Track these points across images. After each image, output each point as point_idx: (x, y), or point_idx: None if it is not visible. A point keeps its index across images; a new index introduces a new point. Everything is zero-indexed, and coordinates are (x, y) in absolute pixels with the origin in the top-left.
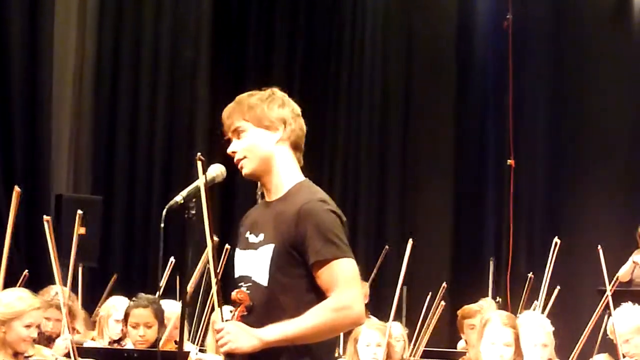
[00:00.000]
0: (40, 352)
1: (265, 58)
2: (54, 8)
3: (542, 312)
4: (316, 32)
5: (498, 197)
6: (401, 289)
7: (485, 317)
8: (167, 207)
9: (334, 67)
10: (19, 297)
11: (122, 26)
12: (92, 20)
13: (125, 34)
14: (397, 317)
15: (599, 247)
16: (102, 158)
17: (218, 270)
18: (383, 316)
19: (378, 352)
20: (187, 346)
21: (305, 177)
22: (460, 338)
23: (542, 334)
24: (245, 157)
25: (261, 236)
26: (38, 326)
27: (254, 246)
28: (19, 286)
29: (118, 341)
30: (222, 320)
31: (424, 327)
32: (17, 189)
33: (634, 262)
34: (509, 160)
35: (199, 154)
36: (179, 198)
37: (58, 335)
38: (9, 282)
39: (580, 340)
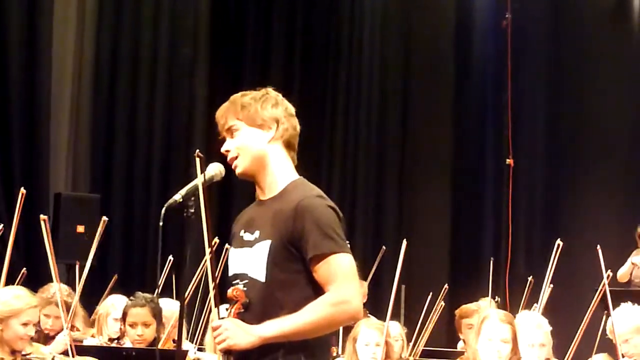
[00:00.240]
0: (38, 350)
1: (264, 57)
2: (52, 7)
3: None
4: (314, 31)
5: (497, 197)
6: (399, 288)
7: (483, 314)
8: (165, 205)
9: (333, 66)
10: (16, 296)
11: (120, 26)
12: (90, 19)
13: (123, 33)
14: (396, 317)
15: (598, 247)
16: (101, 157)
17: (217, 269)
18: (382, 316)
19: (377, 351)
20: (186, 345)
21: (303, 176)
22: (459, 338)
23: (540, 334)
24: (238, 156)
25: (256, 234)
26: (35, 324)
27: (249, 244)
28: (17, 284)
29: (117, 339)
30: (219, 318)
31: (424, 326)
32: (22, 190)
33: (632, 263)
34: (507, 160)
35: (197, 151)
36: (177, 197)
37: (57, 333)
38: (7, 281)
39: (575, 339)
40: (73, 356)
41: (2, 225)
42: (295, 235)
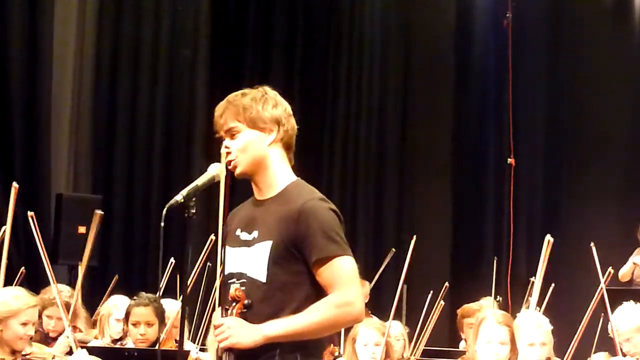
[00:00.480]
0: (41, 351)
1: (264, 58)
2: (53, 7)
3: (537, 310)
4: (314, 31)
5: (498, 196)
6: (402, 288)
7: (480, 315)
8: (167, 206)
9: (333, 66)
10: (15, 296)
11: (121, 26)
12: (91, 19)
13: (124, 34)
14: (397, 316)
15: (592, 244)
16: (102, 157)
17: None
18: (383, 315)
19: (376, 351)
20: (187, 345)
21: (303, 175)
22: (461, 337)
23: (541, 333)
24: (238, 157)
25: (255, 233)
26: (35, 324)
27: (247, 243)
28: (16, 284)
29: (119, 340)
30: (222, 317)
31: (425, 326)
32: (15, 185)
33: (634, 263)
34: (509, 159)
35: (224, 143)
36: (179, 197)
37: (60, 334)
38: (6, 281)
39: (575, 337)
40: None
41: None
42: (298, 236)
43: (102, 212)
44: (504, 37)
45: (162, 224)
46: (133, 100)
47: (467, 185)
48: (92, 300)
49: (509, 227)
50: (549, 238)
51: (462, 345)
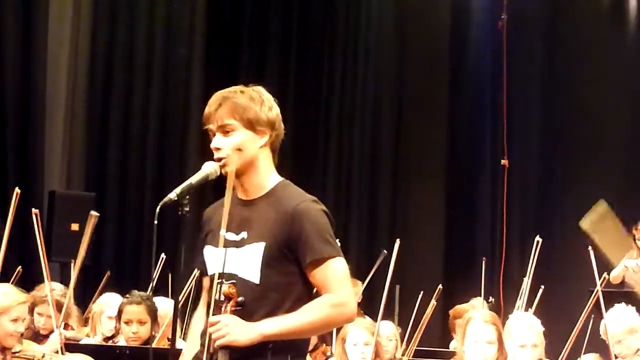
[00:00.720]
0: (30, 348)
1: (259, 57)
2: (48, 5)
3: (526, 310)
4: (310, 31)
5: (491, 197)
6: (390, 288)
7: (467, 316)
8: (160, 204)
9: (328, 67)
10: (4, 293)
11: (115, 25)
12: (86, 17)
13: (119, 32)
14: (390, 317)
15: (590, 248)
16: (96, 155)
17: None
18: (376, 316)
19: (366, 350)
20: (180, 343)
21: (297, 176)
22: (453, 338)
23: (533, 334)
24: (229, 156)
25: (243, 234)
26: (24, 320)
27: (235, 244)
28: (12, 283)
29: (111, 338)
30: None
31: (418, 326)
32: (17, 190)
33: (625, 265)
34: (502, 161)
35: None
36: (172, 195)
37: (51, 332)
38: (2, 279)
39: (569, 339)
40: (63, 354)
41: None
42: (291, 238)
43: (98, 214)
44: (499, 38)
45: (156, 222)
46: (127, 99)
47: (460, 187)
48: (84, 298)
49: (502, 228)
50: (538, 239)
51: (452, 346)
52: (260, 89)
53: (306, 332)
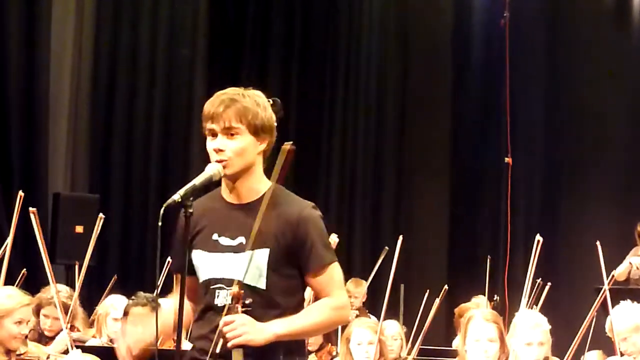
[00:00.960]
0: (38, 350)
1: (262, 58)
2: (51, 7)
3: (530, 308)
4: (313, 31)
5: (495, 196)
6: (397, 287)
7: (467, 314)
8: (164, 205)
9: (330, 67)
10: (8, 295)
11: (119, 26)
12: (89, 19)
13: (122, 34)
14: (395, 316)
15: (597, 243)
16: (99, 157)
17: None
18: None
19: (370, 350)
20: (185, 345)
21: (302, 176)
22: (456, 336)
23: (539, 332)
24: (231, 159)
25: (240, 239)
26: (29, 322)
27: (232, 249)
28: (17, 285)
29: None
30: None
31: (424, 326)
32: (21, 193)
33: (630, 262)
34: (506, 158)
35: (290, 143)
36: (176, 197)
37: (57, 334)
38: (6, 282)
39: (576, 337)
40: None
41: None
42: (296, 244)
43: (104, 216)
44: (501, 36)
45: (160, 224)
46: (131, 100)
47: (464, 186)
48: (89, 299)
49: (506, 226)
50: (538, 237)
51: (454, 343)
52: (259, 93)
53: (312, 332)
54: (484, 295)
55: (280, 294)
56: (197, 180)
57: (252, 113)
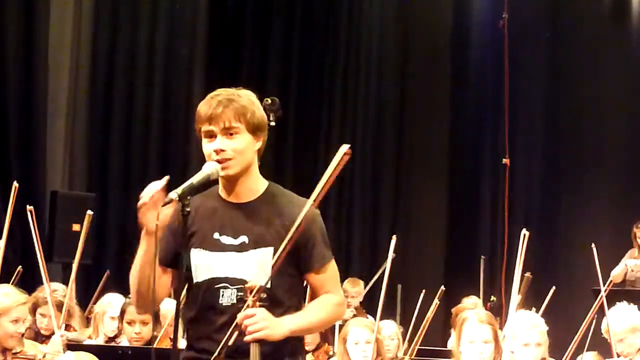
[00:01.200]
0: (35, 349)
1: (261, 58)
2: (49, 6)
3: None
4: (312, 30)
5: (493, 196)
6: (394, 287)
7: (462, 316)
8: (161, 204)
9: (330, 67)
10: (5, 293)
11: (117, 25)
12: (87, 17)
13: (120, 32)
14: (392, 316)
15: (593, 245)
16: (97, 155)
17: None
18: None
19: (367, 349)
20: (182, 343)
21: (300, 174)
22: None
23: (536, 333)
24: (233, 159)
25: (243, 238)
26: (25, 321)
27: (235, 248)
28: (13, 283)
29: (113, 338)
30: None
31: (421, 326)
32: (15, 184)
33: (626, 264)
34: (504, 159)
35: (348, 146)
36: (173, 195)
37: (53, 333)
38: (2, 279)
39: (574, 339)
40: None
41: None
42: (300, 242)
43: (92, 212)
44: (501, 36)
45: (157, 222)
46: (129, 99)
47: (463, 185)
48: (86, 298)
49: (503, 227)
50: (524, 232)
51: (449, 344)
52: (251, 92)
53: (317, 328)
54: (477, 296)
55: (284, 292)
56: (195, 179)
57: (250, 112)
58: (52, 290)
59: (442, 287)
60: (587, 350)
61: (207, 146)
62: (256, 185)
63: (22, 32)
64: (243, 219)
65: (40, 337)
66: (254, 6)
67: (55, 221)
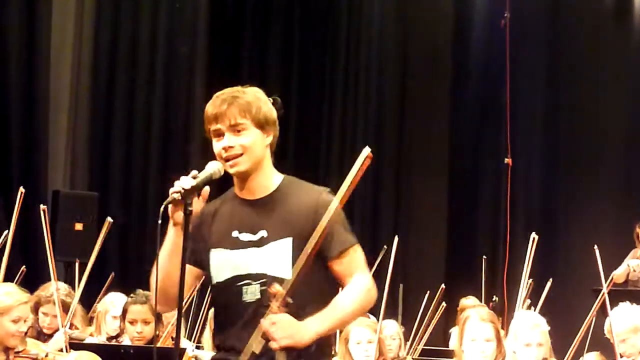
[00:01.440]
0: (37, 347)
1: (262, 56)
2: (51, 4)
3: (529, 309)
4: (312, 29)
5: (495, 196)
6: (396, 287)
7: (463, 314)
8: (164, 203)
9: (330, 65)
10: (6, 292)
11: (118, 23)
12: (89, 16)
13: (121, 31)
14: (394, 316)
15: (595, 246)
16: (99, 154)
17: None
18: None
19: (369, 348)
20: (184, 343)
21: (301, 173)
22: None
23: (538, 333)
24: (242, 155)
25: (262, 233)
26: (27, 320)
27: (254, 244)
28: (16, 282)
29: (115, 337)
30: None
31: (422, 325)
32: (22, 189)
33: (628, 265)
34: (506, 159)
35: (369, 150)
36: (176, 194)
37: (55, 331)
38: (6, 279)
39: (575, 339)
40: (67, 352)
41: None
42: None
43: (112, 220)
44: (502, 36)
45: (159, 221)
46: (130, 98)
47: (464, 185)
48: (88, 297)
49: (505, 227)
50: (534, 236)
51: (451, 343)
52: (258, 89)
53: (347, 322)
54: (478, 295)
55: (304, 283)
56: (198, 179)
57: (255, 107)
58: (55, 289)
59: (442, 286)
60: (590, 350)
61: (216, 145)
62: (270, 180)
63: (24, 29)
64: (260, 214)
65: (43, 336)
66: (254, 4)
67: (58, 220)
